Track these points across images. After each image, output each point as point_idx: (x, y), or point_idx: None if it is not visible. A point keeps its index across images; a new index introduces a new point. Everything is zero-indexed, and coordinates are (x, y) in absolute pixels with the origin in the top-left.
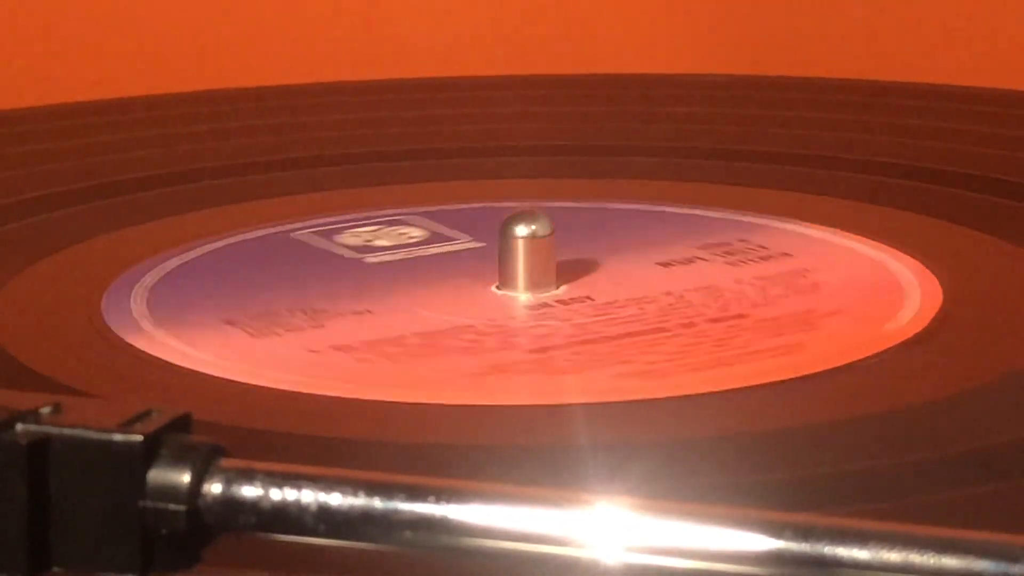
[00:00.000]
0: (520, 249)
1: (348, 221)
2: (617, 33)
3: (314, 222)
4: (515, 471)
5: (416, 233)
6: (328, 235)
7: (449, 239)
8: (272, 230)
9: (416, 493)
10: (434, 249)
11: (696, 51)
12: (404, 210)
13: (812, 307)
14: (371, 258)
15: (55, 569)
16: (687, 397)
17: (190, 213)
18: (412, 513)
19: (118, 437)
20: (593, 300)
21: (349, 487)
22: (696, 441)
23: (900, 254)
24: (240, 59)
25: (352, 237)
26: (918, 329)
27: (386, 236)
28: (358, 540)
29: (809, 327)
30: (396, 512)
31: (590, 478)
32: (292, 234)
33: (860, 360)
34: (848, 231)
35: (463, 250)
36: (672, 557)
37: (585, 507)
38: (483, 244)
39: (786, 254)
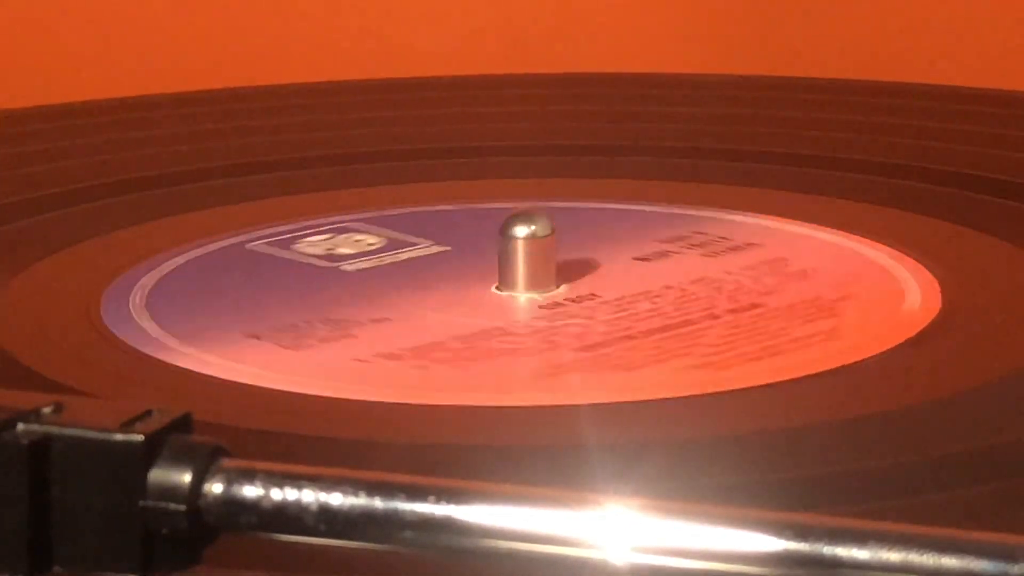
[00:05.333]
0: (520, 249)
1: (300, 230)
2: (617, 33)
3: (267, 231)
4: (582, 469)
5: (372, 240)
6: (285, 244)
7: (408, 244)
8: (231, 241)
9: (417, 493)
10: (403, 255)
11: (696, 52)
12: (349, 217)
13: (818, 294)
14: (347, 266)
15: (56, 569)
16: (739, 391)
17: (191, 213)
18: (413, 513)
19: (119, 437)
20: (600, 297)
21: (350, 487)
22: (696, 441)
23: (899, 254)
24: (241, 59)
25: (310, 247)
26: (918, 329)
27: (344, 244)
28: (359, 540)
29: (831, 313)
30: (397, 512)
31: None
32: (246, 245)
33: (859, 360)
34: (849, 231)
35: (431, 254)
36: (672, 557)
37: (586, 507)
38: (447, 247)
39: (783, 251)
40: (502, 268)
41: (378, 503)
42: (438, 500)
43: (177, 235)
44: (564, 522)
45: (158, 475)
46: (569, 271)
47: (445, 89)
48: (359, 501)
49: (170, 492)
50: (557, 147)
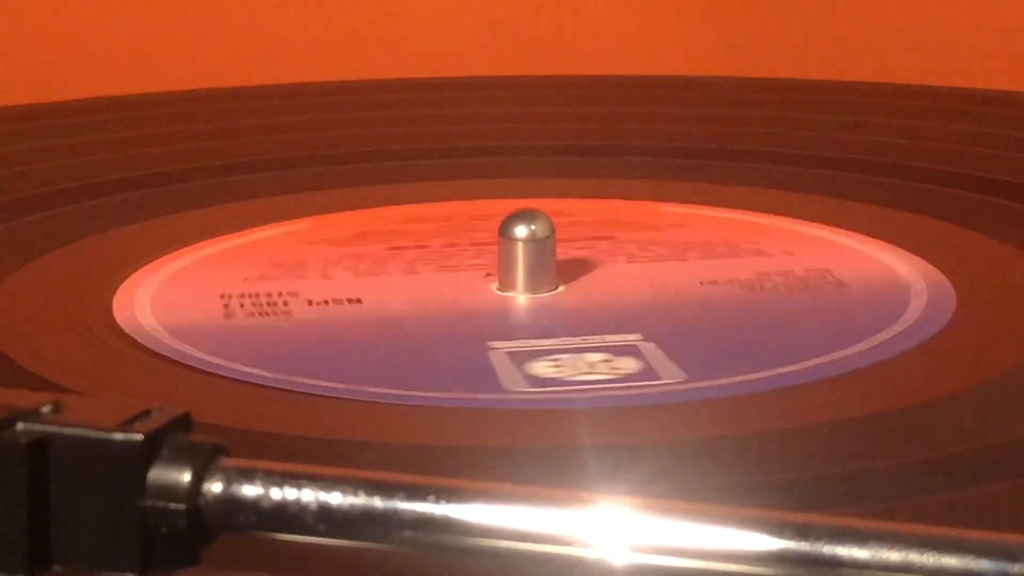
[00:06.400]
0: (520, 249)
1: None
2: (616, 35)
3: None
4: (581, 469)
5: None
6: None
7: None
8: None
9: (416, 492)
10: None
11: (694, 54)
12: None
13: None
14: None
15: (55, 568)
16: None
17: (193, 211)
18: (412, 512)
19: (118, 436)
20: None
21: (349, 486)
22: (696, 441)
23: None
24: (240, 58)
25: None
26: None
27: None
28: (358, 540)
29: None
30: (396, 511)
31: (593, 478)
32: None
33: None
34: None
35: None
36: (671, 557)
37: (585, 506)
38: None
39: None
40: (502, 268)
41: (377, 502)
42: (437, 499)
43: (180, 234)
44: (564, 522)
45: (157, 474)
46: (575, 271)
47: (443, 89)
48: (358, 500)
49: (169, 491)
50: (555, 148)
